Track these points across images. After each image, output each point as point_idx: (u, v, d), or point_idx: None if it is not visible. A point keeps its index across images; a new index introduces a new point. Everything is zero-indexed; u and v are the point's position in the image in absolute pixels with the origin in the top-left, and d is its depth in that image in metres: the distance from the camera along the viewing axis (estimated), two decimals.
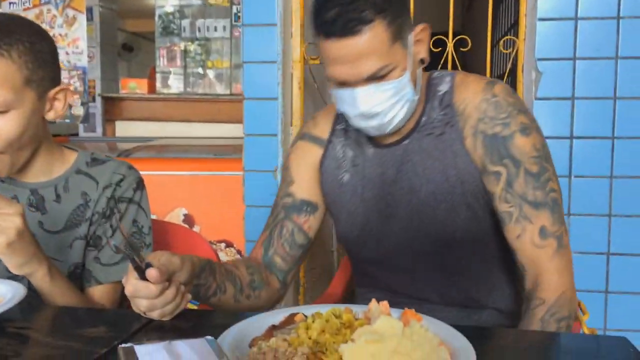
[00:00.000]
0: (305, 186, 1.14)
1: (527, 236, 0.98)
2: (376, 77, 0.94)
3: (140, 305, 0.82)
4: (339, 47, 0.93)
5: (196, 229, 2.17)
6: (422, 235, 1.04)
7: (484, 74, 1.84)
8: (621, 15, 1.62)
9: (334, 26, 0.92)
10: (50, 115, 1.02)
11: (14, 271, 0.92)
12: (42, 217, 1.06)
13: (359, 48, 0.92)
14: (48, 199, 1.07)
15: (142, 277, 0.80)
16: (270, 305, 1.12)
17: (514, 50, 1.79)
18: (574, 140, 1.65)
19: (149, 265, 0.80)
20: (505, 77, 1.91)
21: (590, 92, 1.64)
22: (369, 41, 0.92)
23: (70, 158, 1.10)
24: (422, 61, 1.02)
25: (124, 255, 1.05)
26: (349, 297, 1.39)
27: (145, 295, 0.81)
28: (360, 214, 1.08)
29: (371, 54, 0.92)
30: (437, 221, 1.02)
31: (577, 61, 1.65)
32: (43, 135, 1.04)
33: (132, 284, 0.81)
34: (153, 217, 2.15)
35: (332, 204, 1.12)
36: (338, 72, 0.94)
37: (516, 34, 1.80)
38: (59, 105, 1.02)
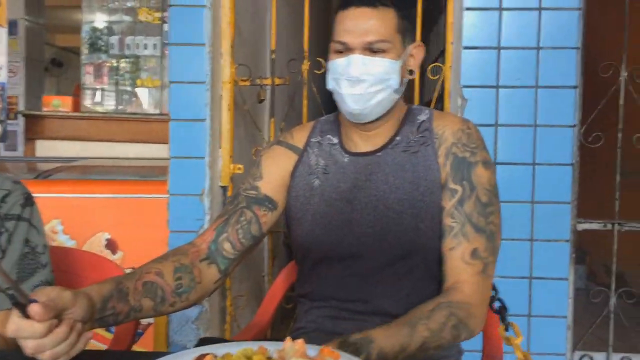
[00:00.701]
0: (271, 184, 1.18)
1: (459, 250, 1.05)
2: (374, 49, 1.08)
3: (26, 346, 0.74)
4: (356, 14, 1.09)
5: (119, 254, 2.07)
6: (384, 241, 1.09)
7: (414, 99, 1.87)
8: (541, 45, 1.68)
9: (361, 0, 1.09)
10: None
11: None
12: None
13: (372, 17, 1.08)
14: None
15: (25, 314, 0.73)
16: (201, 301, 1.12)
17: (441, 77, 1.82)
18: (497, 166, 1.69)
19: (32, 301, 0.73)
20: (433, 103, 1.94)
21: (512, 119, 1.69)
22: (382, 16, 1.09)
23: None
24: (410, 72, 1.15)
25: (20, 278, 0.97)
26: (276, 325, 1.35)
27: (30, 335, 0.73)
28: (325, 214, 1.13)
29: (379, 26, 1.08)
30: (401, 226, 1.08)
31: (499, 89, 1.69)
32: None
33: (15, 323, 0.73)
34: (72, 243, 2.06)
35: (300, 206, 1.16)
36: (346, 35, 1.09)
37: (443, 61, 1.84)
38: None
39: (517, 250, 1.68)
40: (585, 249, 3.42)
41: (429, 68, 1.90)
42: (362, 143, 1.16)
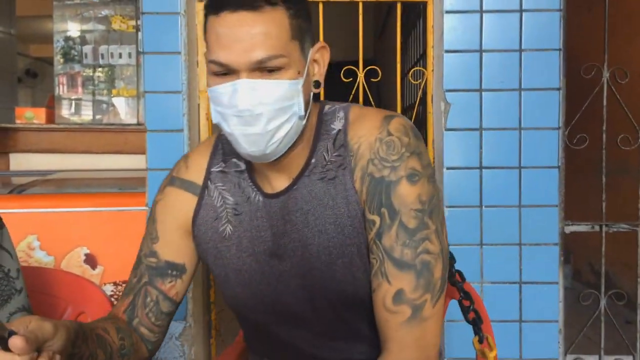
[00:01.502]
0: (171, 245, 0.99)
1: (380, 295, 0.87)
2: (266, 68, 0.82)
3: None
4: (232, 22, 0.81)
5: (99, 269, 2.01)
6: (320, 296, 0.93)
7: (396, 103, 1.84)
8: (523, 47, 1.66)
9: (237, 1, 0.82)
10: None
11: None
12: None
13: (256, 25, 0.81)
14: None
15: (5, 347, 0.69)
16: None
17: (423, 81, 1.80)
18: (483, 171, 1.67)
19: (12, 333, 0.69)
20: (415, 108, 1.92)
21: (497, 122, 1.67)
22: (268, 20, 0.82)
23: None
24: (316, 84, 0.91)
25: None
26: None
27: None
28: (250, 271, 0.95)
29: (267, 36, 0.82)
30: (335, 280, 0.91)
31: (483, 92, 1.67)
32: None
33: None
34: (50, 259, 1.99)
35: (215, 261, 0.97)
36: (224, 53, 0.81)
37: (425, 65, 1.81)
38: None
39: (506, 256, 1.66)
40: (569, 248, 3.44)
41: (410, 72, 1.88)
42: (276, 176, 0.94)
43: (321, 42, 0.92)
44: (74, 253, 2.01)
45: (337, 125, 0.93)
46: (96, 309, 1.23)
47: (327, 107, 0.97)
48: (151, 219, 1.02)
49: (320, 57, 0.91)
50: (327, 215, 0.90)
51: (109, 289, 1.97)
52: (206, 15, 0.86)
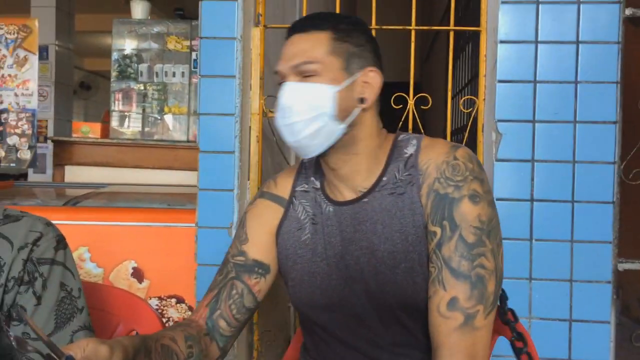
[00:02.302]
0: (259, 246, 1.10)
1: (435, 300, 0.94)
2: (302, 73, 1.01)
3: None
4: (290, 41, 1.04)
5: (145, 283, 2.06)
6: (382, 299, 1.00)
7: (440, 127, 1.84)
8: (579, 79, 1.64)
9: (295, 26, 1.05)
10: None
11: None
12: None
13: (300, 42, 1.02)
14: None
15: None
16: None
17: (474, 110, 1.79)
18: (535, 203, 1.64)
19: (70, 358, 0.71)
20: (465, 137, 1.90)
21: (550, 155, 1.64)
22: (312, 39, 1.02)
23: None
24: (361, 100, 1.03)
25: (57, 324, 0.95)
26: None
27: None
28: (322, 274, 1.04)
29: (306, 49, 1.01)
30: (397, 283, 0.98)
31: (536, 124, 1.65)
32: None
33: None
34: (99, 270, 2.05)
35: (293, 266, 1.07)
36: (279, 63, 1.04)
37: (474, 90, 1.80)
38: None
39: (556, 292, 1.61)
40: (619, 283, 3.32)
41: (461, 100, 1.87)
42: (344, 186, 1.06)
43: (372, 67, 1.06)
44: (122, 266, 2.06)
45: (410, 150, 1.05)
46: (147, 327, 1.26)
47: (401, 136, 1.10)
48: (241, 225, 1.14)
49: (370, 80, 1.04)
50: (394, 224, 1.00)
51: (154, 303, 2.01)
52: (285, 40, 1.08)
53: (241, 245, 1.11)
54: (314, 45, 1.01)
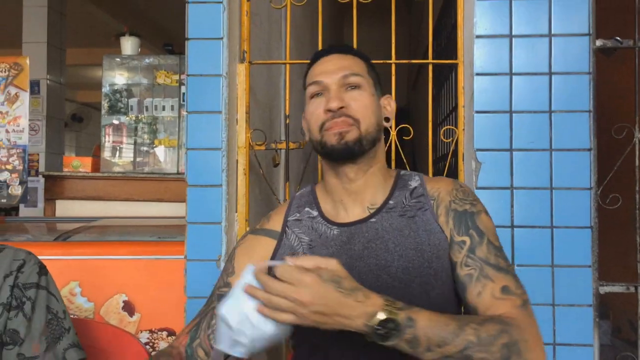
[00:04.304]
0: None
1: (487, 291, 0.98)
2: (348, 83, 1.09)
3: None
4: (329, 58, 1.12)
5: (136, 316, 2.07)
6: None
7: (428, 158, 1.89)
8: (553, 109, 1.69)
9: (332, 48, 1.15)
10: None
11: None
12: None
13: (343, 60, 1.12)
14: None
15: None
16: None
17: (454, 140, 1.84)
18: (515, 229, 1.68)
19: None
20: (447, 164, 1.95)
21: (528, 182, 1.69)
22: (352, 59, 1.13)
23: None
24: (386, 119, 1.17)
25: (49, 344, 0.99)
26: None
27: None
28: None
29: (352, 64, 1.12)
30: (410, 297, 1.00)
31: (514, 152, 1.70)
32: None
33: None
34: (90, 305, 2.06)
35: None
36: (321, 76, 1.10)
37: (455, 120, 1.85)
38: None
39: (539, 316, 1.61)
40: (608, 304, 3.35)
41: (442, 130, 1.92)
42: (352, 203, 1.12)
43: (388, 95, 1.21)
44: (113, 300, 2.07)
45: (414, 183, 1.16)
46: None
47: (403, 171, 1.22)
48: (229, 259, 1.17)
49: (387, 104, 1.19)
50: (408, 243, 1.06)
51: (145, 336, 2.02)
52: (306, 73, 1.16)
53: (227, 277, 1.13)
54: (356, 64, 1.13)
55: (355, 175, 1.11)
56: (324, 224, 1.12)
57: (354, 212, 1.12)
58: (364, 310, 0.86)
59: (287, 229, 1.15)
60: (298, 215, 1.16)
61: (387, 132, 1.81)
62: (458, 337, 0.86)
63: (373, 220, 1.09)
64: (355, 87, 1.10)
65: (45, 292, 1.05)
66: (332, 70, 1.10)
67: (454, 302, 1.06)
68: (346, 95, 1.09)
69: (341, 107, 1.07)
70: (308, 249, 1.11)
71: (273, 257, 1.13)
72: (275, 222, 1.18)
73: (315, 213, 1.15)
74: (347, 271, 1.02)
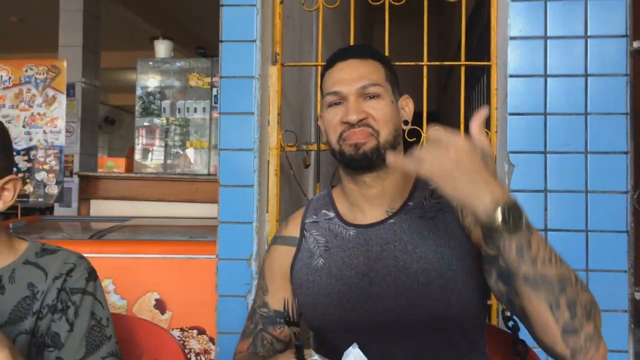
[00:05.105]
0: (278, 296, 1.16)
1: None
2: (367, 93, 1.07)
3: None
4: (347, 64, 1.10)
5: (167, 314, 2.10)
6: (412, 315, 1.02)
7: None
8: (588, 111, 1.67)
9: (349, 52, 1.12)
10: None
11: None
12: None
13: (361, 67, 1.09)
14: None
15: None
16: None
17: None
18: (549, 233, 1.66)
19: None
20: None
21: (562, 185, 1.66)
22: (370, 65, 1.10)
23: (20, 248, 1.07)
24: (405, 122, 1.14)
25: (88, 351, 1.01)
26: None
27: None
28: (339, 294, 1.07)
29: (369, 73, 1.09)
30: (430, 299, 1.01)
31: (548, 155, 1.68)
32: None
33: None
34: (123, 302, 2.10)
35: (307, 291, 1.11)
36: (338, 86, 1.08)
37: (488, 121, 1.84)
38: (7, 195, 1.02)
39: None
40: None
41: None
42: (370, 207, 1.11)
43: (406, 95, 1.17)
44: (145, 298, 2.11)
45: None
46: (170, 357, 1.30)
47: None
48: (261, 275, 1.21)
49: (406, 105, 1.16)
50: (428, 244, 1.05)
51: (176, 334, 2.05)
52: (322, 74, 1.14)
53: (264, 296, 1.18)
54: (374, 71, 1.10)
55: (374, 182, 1.11)
56: (341, 225, 1.13)
57: (371, 215, 1.11)
58: (502, 191, 0.85)
59: (305, 232, 1.16)
60: (315, 217, 1.17)
61: (417, 133, 1.82)
62: (562, 265, 0.87)
63: (391, 221, 1.09)
64: (374, 96, 1.08)
65: (91, 298, 1.05)
66: (350, 79, 1.08)
67: (475, 303, 1.05)
68: (365, 104, 1.07)
69: (360, 120, 1.07)
70: (325, 250, 1.12)
71: (294, 262, 1.15)
72: (293, 228, 1.19)
73: (332, 214, 1.15)
74: (365, 273, 1.06)
